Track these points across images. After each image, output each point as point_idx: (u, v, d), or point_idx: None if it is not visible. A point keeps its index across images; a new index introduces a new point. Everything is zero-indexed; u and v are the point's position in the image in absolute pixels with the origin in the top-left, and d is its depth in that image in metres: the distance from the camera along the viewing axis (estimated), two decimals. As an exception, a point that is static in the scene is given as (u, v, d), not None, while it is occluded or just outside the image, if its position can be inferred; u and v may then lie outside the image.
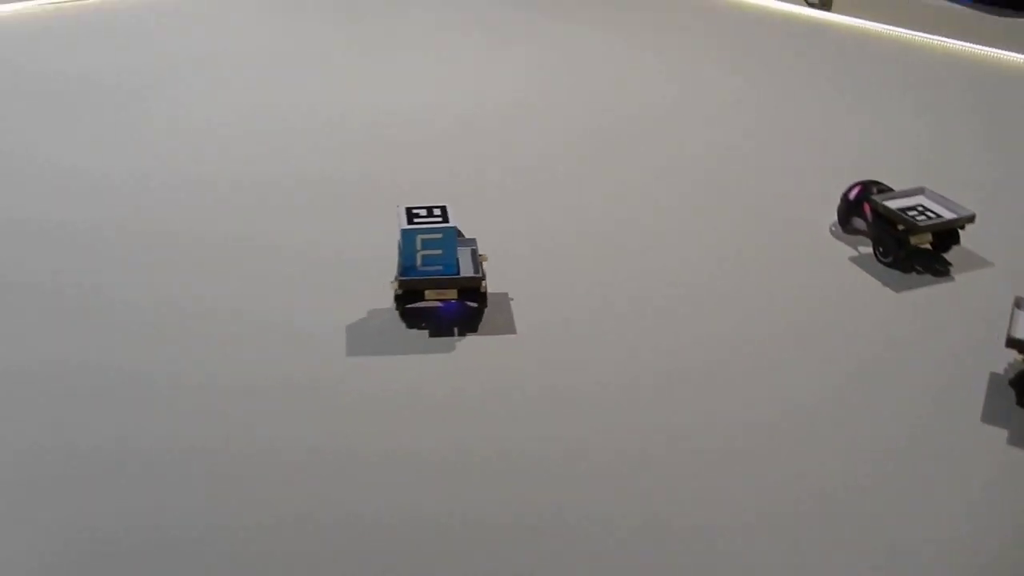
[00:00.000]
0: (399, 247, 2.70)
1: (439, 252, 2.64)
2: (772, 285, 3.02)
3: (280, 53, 4.80)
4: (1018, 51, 4.97)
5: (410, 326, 2.75)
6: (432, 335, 2.76)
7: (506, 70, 4.67)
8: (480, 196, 3.46)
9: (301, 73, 4.59)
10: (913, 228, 2.99)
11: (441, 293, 2.70)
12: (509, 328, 2.79)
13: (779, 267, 3.12)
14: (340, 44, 4.95)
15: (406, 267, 2.67)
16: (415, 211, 2.71)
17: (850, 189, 3.29)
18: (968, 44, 5.07)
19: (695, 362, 2.68)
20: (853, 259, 3.15)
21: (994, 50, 5.01)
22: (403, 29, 5.15)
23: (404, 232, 2.64)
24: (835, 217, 3.32)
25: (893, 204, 3.10)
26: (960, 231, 3.09)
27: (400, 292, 2.68)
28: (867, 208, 3.13)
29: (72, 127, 4.02)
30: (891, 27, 5.17)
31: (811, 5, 5.31)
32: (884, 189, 3.25)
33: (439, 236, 2.63)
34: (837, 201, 3.33)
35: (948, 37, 5.07)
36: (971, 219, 3.06)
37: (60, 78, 4.43)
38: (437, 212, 2.72)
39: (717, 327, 2.81)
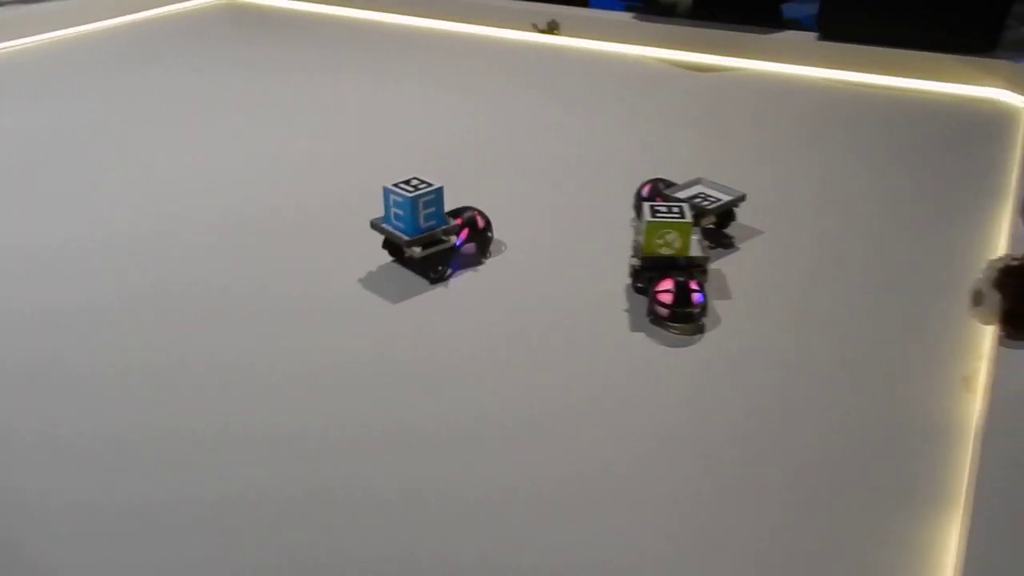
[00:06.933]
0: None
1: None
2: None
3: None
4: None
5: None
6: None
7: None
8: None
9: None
10: (701, 212, 3.55)
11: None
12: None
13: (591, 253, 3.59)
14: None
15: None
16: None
17: (642, 186, 3.83)
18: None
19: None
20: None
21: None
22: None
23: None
24: (632, 213, 3.85)
25: (681, 194, 3.66)
26: (735, 209, 3.71)
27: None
28: (660, 201, 3.66)
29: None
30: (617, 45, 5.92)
31: (539, 31, 5.84)
32: (669, 184, 3.81)
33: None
34: (631, 198, 3.88)
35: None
36: (742, 198, 3.67)
37: None
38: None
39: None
